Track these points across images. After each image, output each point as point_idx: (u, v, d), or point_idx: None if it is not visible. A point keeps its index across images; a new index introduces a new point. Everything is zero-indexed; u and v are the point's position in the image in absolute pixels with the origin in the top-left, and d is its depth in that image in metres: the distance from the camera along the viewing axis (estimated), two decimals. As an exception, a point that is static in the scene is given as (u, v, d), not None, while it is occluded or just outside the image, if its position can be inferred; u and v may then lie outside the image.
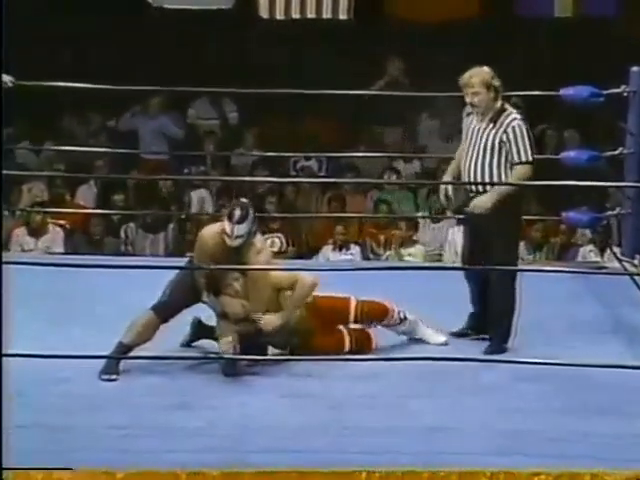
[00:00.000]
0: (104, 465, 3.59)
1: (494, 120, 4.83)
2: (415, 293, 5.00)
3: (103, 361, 4.44)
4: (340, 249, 7.85)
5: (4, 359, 3.26)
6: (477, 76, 4.81)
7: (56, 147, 8.43)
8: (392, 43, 9.24)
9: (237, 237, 4.55)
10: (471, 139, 4.87)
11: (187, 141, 9.16)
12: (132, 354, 4.50)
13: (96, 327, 4.93)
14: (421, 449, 3.78)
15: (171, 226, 8.20)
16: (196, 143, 9.12)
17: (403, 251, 7.82)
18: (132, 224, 8.17)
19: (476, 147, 4.84)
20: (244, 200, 4.75)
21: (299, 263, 6.10)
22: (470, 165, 4.85)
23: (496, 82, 4.83)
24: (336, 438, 3.86)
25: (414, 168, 9.00)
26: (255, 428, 3.95)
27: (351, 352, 4.71)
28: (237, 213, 4.55)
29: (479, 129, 4.85)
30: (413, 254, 7.79)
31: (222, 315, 4.60)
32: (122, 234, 8.15)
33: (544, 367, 4.08)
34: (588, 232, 7.79)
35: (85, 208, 8.33)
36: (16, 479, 3.48)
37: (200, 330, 4.87)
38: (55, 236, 7.89)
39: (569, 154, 5.96)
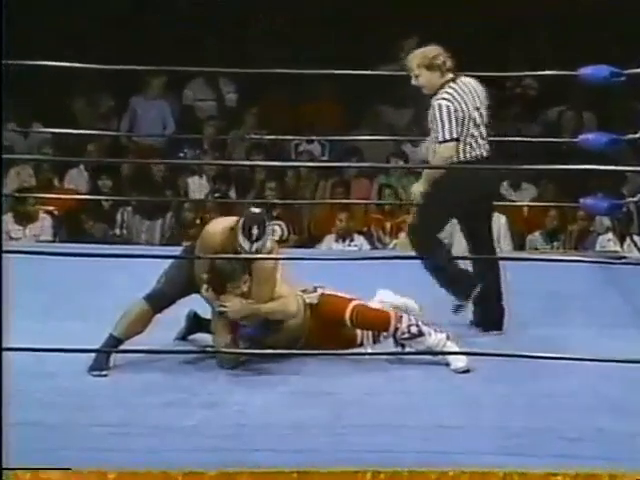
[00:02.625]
0: (95, 465, 3.58)
1: (432, 99, 5.02)
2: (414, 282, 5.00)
3: (93, 355, 4.43)
4: (344, 239, 7.84)
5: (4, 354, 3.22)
6: (415, 58, 4.99)
7: (44, 129, 8.43)
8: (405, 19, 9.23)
9: (254, 252, 4.52)
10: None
11: (183, 123, 9.17)
12: (124, 347, 4.49)
13: (87, 319, 4.94)
14: (428, 448, 3.76)
15: (169, 214, 8.18)
16: (193, 125, 9.12)
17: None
18: (129, 208, 8.16)
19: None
20: (257, 211, 4.60)
21: (300, 252, 6.08)
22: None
23: (438, 61, 4.96)
24: (339, 437, 3.85)
25: (423, 152, 8.97)
26: (254, 426, 3.94)
27: (363, 344, 4.74)
28: (255, 232, 4.48)
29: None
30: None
31: (219, 313, 4.59)
32: (118, 217, 8.13)
33: (557, 362, 4.06)
34: (607, 220, 7.78)
35: (75, 193, 8.31)
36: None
37: (196, 323, 4.86)
38: (44, 224, 7.87)
39: (587, 137, 5.92)
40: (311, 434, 3.87)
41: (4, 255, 3.20)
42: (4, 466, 3.24)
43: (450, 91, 4.97)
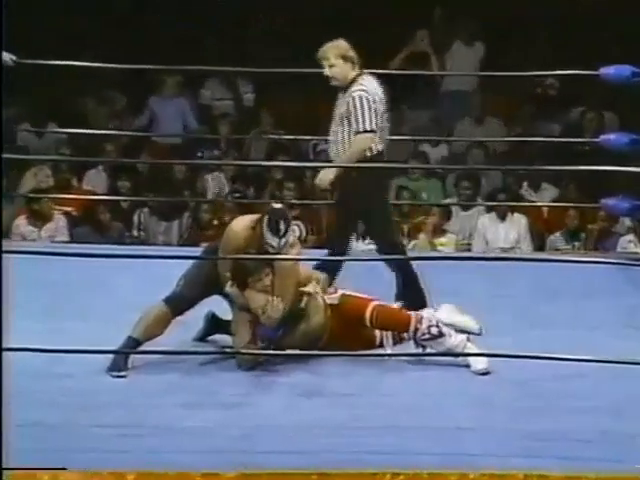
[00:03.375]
0: (113, 466, 3.60)
1: (345, 90, 5.11)
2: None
3: (111, 356, 4.45)
4: (363, 238, 7.85)
5: (4, 354, 3.24)
6: (333, 49, 5.10)
7: (60, 130, 8.47)
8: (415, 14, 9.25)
9: (282, 246, 4.56)
10: (333, 110, 5.18)
11: (201, 123, 9.20)
12: (142, 349, 4.51)
13: (103, 320, 4.97)
14: (448, 450, 3.77)
15: (186, 215, 8.21)
16: (210, 125, 9.15)
17: (436, 240, 7.81)
18: (146, 209, 8.18)
19: (334, 119, 5.15)
20: (280, 206, 4.70)
21: (318, 253, 6.08)
22: (330, 136, 5.18)
23: (351, 53, 5.10)
24: (358, 438, 3.86)
25: (441, 152, 8.97)
26: (272, 427, 3.95)
27: (383, 345, 4.76)
28: (282, 228, 4.54)
29: (337, 98, 5.16)
30: (445, 243, 7.78)
31: (243, 309, 4.61)
32: (135, 219, 8.16)
33: (576, 364, 4.05)
34: (629, 221, 7.76)
35: (93, 194, 8.34)
36: (18, 478, 3.50)
37: (214, 324, 4.88)
38: (58, 224, 7.88)
39: (609, 137, 5.92)
40: (329, 435, 3.88)
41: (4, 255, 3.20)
42: (4, 466, 3.26)
43: (365, 84, 5.08)
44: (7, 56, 5.47)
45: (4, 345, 3.25)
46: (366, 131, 5.04)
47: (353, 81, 5.09)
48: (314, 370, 4.54)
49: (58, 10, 8.96)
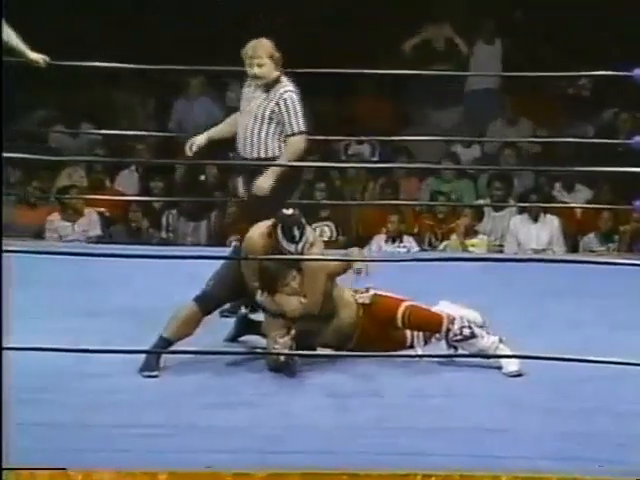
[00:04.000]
0: (145, 465, 3.62)
1: (268, 90, 5.03)
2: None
3: (142, 356, 4.49)
4: (393, 240, 7.85)
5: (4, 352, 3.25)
6: (262, 47, 5.02)
7: (92, 131, 8.52)
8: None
9: (300, 252, 4.58)
10: (246, 109, 5.09)
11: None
12: (173, 348, 4.54)
13: (133, 319, 5.01)
14: (478, 452, 3.76)
15: (214, 214, 8.24)
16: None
17: (467, 242, 7.80)
18: (174, 211, 8.22)
19: (251, 117, 5.05)
20: (291, 212, 4.64)
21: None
22: (245, 135, 5.06)
23: (277, 53, 5.04)
24: (388, 439, 3.86)
25: (474, 153, 8.96)
26: (302, 427, 3.97)
27: (413, 346, 4.77)
28: (296, 233, 4.55)
29: (254, 98, 5.06)
30: (477, 244, 7.77)
31: (277, 315, 4.63)
32: (163, 221, 8.21)
33: (611, 366, 4.02)
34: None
35: (125, 194, 8.40)
36: (53, 478, 3.54)
37: (246, 325, 4.91)
38: (91, 218, 7.98)
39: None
40: (360, 436, 3.89)
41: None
42: (6, 465, 3.28)
43: (289, 84, 5.06)
44: (40, 57, 5.53)
45: (4, 344, 3.25)
46: (301, 132, 5.01)
47: (277, 81, 5.03)
48: (344, 370, 4.55)
49: (89, 10, 9.01)
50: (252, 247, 4.62)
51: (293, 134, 5.01)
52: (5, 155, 3.36)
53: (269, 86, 5.02)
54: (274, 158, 5.01)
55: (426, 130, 8.64)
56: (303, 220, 4.61)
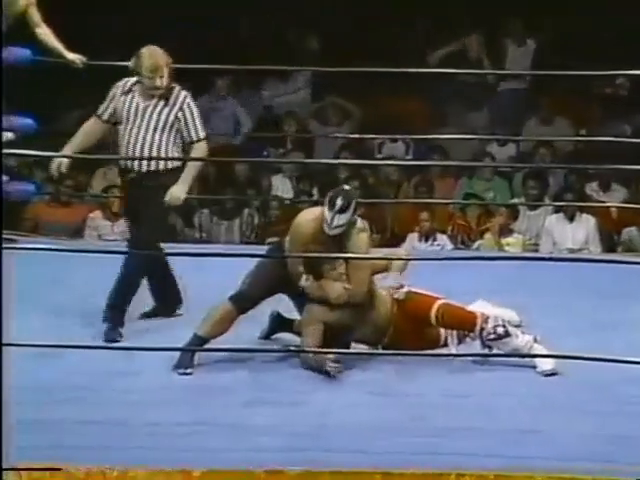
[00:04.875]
0: (178, 463, 3.64)
1: (165, 97, 5.00)
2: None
3: (177, 354, 4.51)
4: (427, 239, 7.85)
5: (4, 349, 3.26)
6: (162, 57, 4.97)
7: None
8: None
9: (336, 227, 4.59)
10: (136, 119, 5.01)
11: (265, 123, 9.24)
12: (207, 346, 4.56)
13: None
14: (513, 452, 3.76)
15: (246, 211, 8.27)
16: (274, 124, 9.17)
17: (502, 240, 7.79)
18: (205, 211, 8.26)
19: (143, 126, 4.99)
20: (347, 187, 4.83)
21: (384, 252, 6.08)
22: (136, 145, 5.00)
23: (169, 59, 5.01)
24: (421, 439, 3.86)
25: (509, 152, 8.94)
26: (335, 426, 3.98)
27: (447, 344, 4.77)
28: (339, 202, 4.57)
29: (146, 107, 5.01)
30: (512, 244, 7.76)
31: (322, 301, 4.63)
32: (195, 220, 8.25)
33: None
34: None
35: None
36: (89, 476, 3.57)
37: (279, 323, 4.93)
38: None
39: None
40: (393, 435, 3.89)
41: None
42: (4, 466, 3.29)
43: (183, 90, 5.05)
44: (77, 57, 5.58)
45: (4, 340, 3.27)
46: (205, 138, 5.04)
47: (171, 89, 5.01)
48: (378, 368, 4.56)
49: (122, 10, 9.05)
50: (299, 230, 4.65)
51: (199, 140, 5.02)
52: (5, 151, 3.38)
53: (165, 95, 5.00)
54: (177, 168, 4.99)
55: (461, 130, 8.64)
56: (353, 199, 4.62)
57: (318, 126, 9.20)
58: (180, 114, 5.01)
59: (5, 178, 4.46)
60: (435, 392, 4.35)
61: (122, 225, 7.97)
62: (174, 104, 5.01)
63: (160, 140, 5.00)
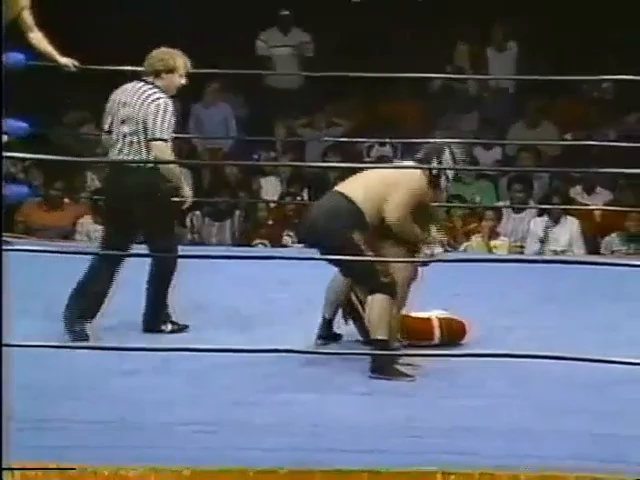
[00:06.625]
0: (170, 462, 3.61)
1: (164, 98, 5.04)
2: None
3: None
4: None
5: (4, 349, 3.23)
6: (182, 57, 5.05)
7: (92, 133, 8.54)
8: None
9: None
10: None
11: (257, 126, 9.22)
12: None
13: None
14: (499, 452, 3.72)
15: (237, 213, 8.26)
16: (266, 128, 9.16)
17: (491, 243, 7.79)
18: (198, 212, 8.25)
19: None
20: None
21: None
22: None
23: None
24: (409, 438, 3.83)
25: (494, 156, 8.94)
26: (325, 426, 3.94)
27: (441, 343, 4.77)
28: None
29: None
30: (499, 246, 7.75)
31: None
32: (188, 222, 8.24)
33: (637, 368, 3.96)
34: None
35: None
36: (81, 475, 3.53)
37: (328, 331, 4.84)
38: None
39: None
40: (380, 435, 3.85)
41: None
42: (4, 465, 3.25)
43: None
44: (70, 61, 5.55)
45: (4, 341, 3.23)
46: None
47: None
48: (366, 368, 4.50)
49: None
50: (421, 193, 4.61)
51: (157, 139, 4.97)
52: (6, 155, 3.36)
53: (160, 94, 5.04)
54: None
55: (449, 134, 8.62)
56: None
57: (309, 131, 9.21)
58: (148, 114, 5.00)
59: None
60: (422, 390, 4.33)
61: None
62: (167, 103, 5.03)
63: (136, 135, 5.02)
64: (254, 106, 9.43)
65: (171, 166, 5.02)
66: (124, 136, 4.95)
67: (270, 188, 8.65)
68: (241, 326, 5.14)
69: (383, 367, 4.44)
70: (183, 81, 5.05)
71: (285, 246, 7.82)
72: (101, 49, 7.19)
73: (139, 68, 5.14)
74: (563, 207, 7.87)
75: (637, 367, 3.75)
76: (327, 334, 4.86)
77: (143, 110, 4.92)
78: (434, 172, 4.60)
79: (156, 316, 5.05)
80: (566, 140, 8.88)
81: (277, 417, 4.02)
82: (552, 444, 3.80)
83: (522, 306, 5.47)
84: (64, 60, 5.53)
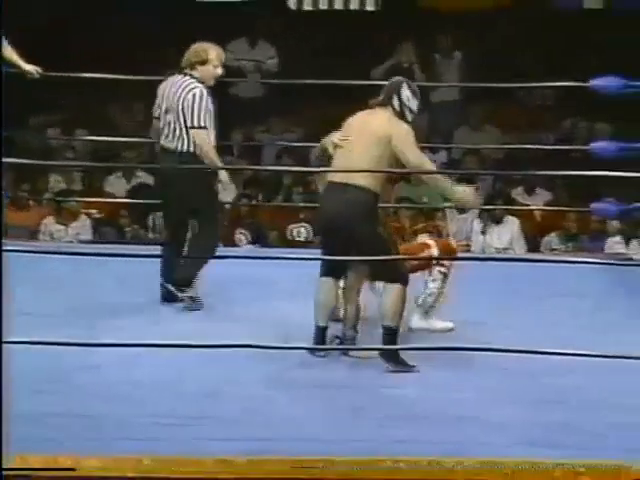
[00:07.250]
0: (129, 452, 3.59)
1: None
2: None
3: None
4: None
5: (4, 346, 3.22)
6: (218, 50, 5.40)
7: (84, 137, 8.53)
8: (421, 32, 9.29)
9: None
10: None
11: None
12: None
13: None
14: (447, 439, 3.76)
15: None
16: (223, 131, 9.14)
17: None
18: (159, 213, 8.23)
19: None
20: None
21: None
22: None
23: None
24: (361, 428, 3.86)
25: (441, 158, 9.01)
26: (281, 416, 3.97)
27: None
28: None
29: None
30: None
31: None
32: (150, 222, 8.23)
33: (575, 358, 3.96)
34: (616, 223, 7.80)
35: (112, 197, 8.42)
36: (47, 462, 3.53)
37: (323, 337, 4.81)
38: (85, 223, 8.01)
39: (598, 145, 5.95)
40: (333, 425, 3.88)
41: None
42: (4, 466, 3.24)
43: None
44: (33, 68, 5.52)
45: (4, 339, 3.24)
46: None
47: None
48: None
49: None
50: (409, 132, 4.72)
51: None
52: (5, 160, 3.36)
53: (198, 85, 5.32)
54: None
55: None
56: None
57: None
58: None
59: None
60: (375, 383, 4.36)
61: (76, 228, 7.96)
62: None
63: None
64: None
65: (209, 150, 5.25)
66: (168, 124, 5.26)
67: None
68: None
69: (391, 356, 4.46)
70: (219, 71, 5.34)
71: (237, 245, 7.88)
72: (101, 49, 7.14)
73: (103, 75, 5.20)
74: (504, 207, 7.96)
75: (575, 357, 3.85)
76: (323, 342, 4.80)
77: (181, 100, 5.25)
78: (397, 108, 4.63)
79: (190, 277, 5.20)
80: (508, 144, 8.98)
81: (238, 410, 4.02)
82: (497, 431, 3.84)
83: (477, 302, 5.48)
84: (28, 67, 5.51)
